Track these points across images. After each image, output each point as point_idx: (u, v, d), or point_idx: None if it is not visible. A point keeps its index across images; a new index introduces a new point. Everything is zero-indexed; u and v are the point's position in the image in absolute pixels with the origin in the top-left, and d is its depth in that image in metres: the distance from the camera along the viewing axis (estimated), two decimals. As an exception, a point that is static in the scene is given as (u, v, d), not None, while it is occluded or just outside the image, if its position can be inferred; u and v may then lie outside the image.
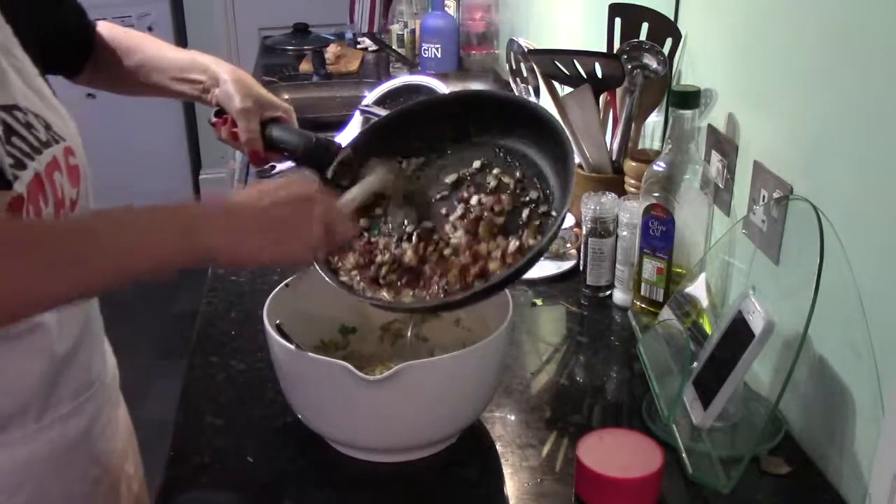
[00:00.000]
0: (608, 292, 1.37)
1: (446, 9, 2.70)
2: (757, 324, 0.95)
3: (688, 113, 1.17)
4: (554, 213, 0.99)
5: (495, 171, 1.04)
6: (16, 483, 0.95)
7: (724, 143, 1.21)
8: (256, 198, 0.88)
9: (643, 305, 1.26)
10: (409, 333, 1.09)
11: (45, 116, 0.94)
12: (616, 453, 0.93)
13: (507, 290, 1.02)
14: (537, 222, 0.99)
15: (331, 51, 2.83)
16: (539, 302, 1.37)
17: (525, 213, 1.00)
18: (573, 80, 1.46)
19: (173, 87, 1.22)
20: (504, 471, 1.00)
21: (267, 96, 1.20)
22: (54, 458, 0.99)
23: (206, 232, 0.84)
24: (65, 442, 1.00)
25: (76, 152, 0.97)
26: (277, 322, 0.99)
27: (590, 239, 1.34)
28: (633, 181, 1.35)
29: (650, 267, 1.24)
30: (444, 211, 1.04)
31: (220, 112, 1.21)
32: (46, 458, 0.97)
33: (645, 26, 1.43)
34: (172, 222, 0.83)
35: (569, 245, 1.47)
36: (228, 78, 1.17)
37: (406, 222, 1.04)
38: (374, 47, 3.03)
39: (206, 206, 0.89)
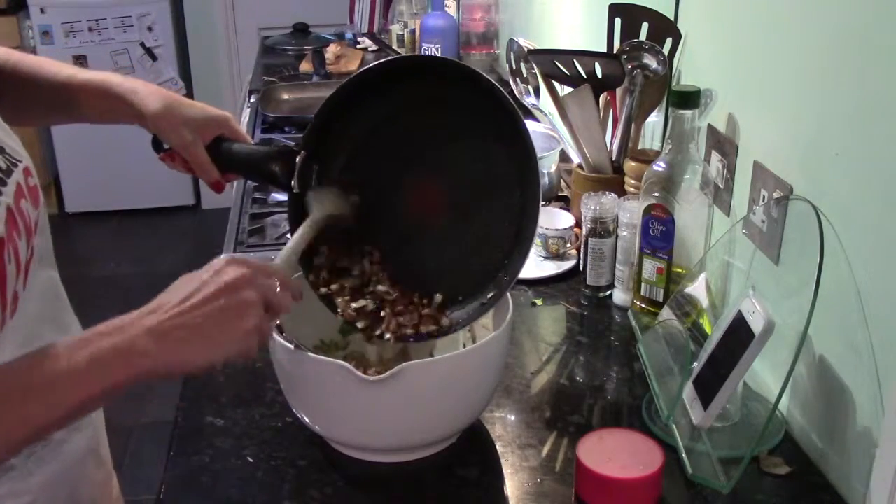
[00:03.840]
0: (608, 292, 1.37)
1: (446, 9, 2.71)
2: (757, 324, 0.95)
3: (688, 113, 1.17)
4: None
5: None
6: None
7: (724, 143, 1.21)
8: (180, 300, 0.79)
9: (643, 305, 1.26)
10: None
11: None
12: (616, 453, 0.93)
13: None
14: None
15: (331, 51, 2.83)
16: (539, 302, 1.37)
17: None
18: (573, 80, 1.46)
19: (97, 118, 1.10)
20: (504, 471, 1.00)
21: (200, 114, 1.06)
22: (69, 471, 0.96)
23: (136, 360, 0.75)
24: (77, 453, 0.98)
25: (32, 171, 0.90)
26: (277, 322, 0.98)
27: (590, 239, 1.34)
28: (633, 181, 1.35)
29: (650, 267, 1.24)
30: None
31: (160, 141, 1.09)
32: (60, 474, 0.95)
33: (645, 26, 1.43)
34: (97, 360, 0.74)
35: (569, 245, 1.47)
36: (153, 110, 1.03)
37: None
38: (374, 47, 3.03)
39: (126, 331, 0.76)
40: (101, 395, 0.75)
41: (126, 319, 0.77)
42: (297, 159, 1.02)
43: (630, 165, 1.37)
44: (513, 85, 1.66)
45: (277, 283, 0.85)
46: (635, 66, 1.42)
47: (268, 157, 1.05)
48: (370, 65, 1.02)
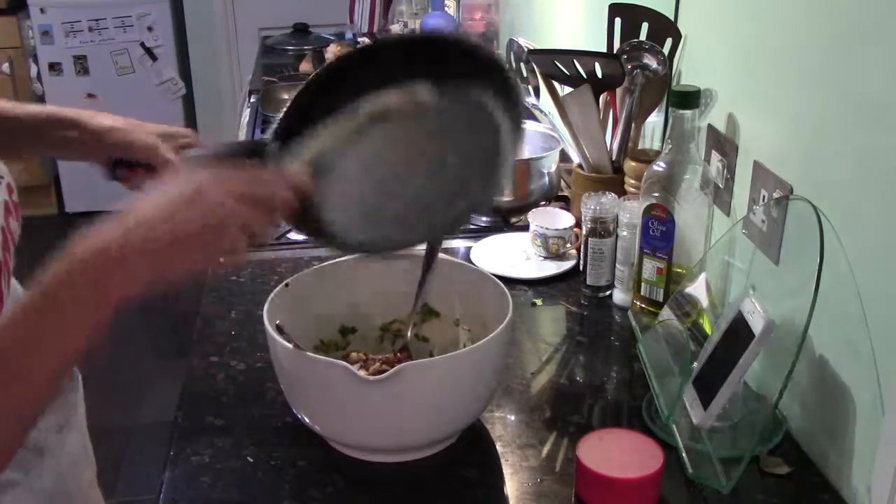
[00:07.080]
0: (608, 292, 1.37)
1: (446, 9, 2.71)
2: (757, 324, 0.95)
3: (688, 113, 1.17)
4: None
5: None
6: None
7: (724, 143, 1.21)
8: (166, 208, 0.77)
9: (643, 305, 1.26)
10: (408, 333, 1.09)
11: None
12: (616, 453, 0.93)
13: (506, 291, 1.02)
14: None
15: (331, 51, 2.83)
16: (539, 302, 1.37)
17: None
18: (573, 80, 1.46)
19: (43, 149, 1.10)
20: (504, 471, 1.00)
21: (162, 127, 1.08)
22: (67, 470, 0.96)
23: (121, 277, 0.75)
24: (73, 454, 0.97)
25: (13, 186, 0.89)
26: (277, 322, 0.99)
27: (590, 239, 1.34)
28: (633, 181, 1.35)
29: (650, 267, 1.24)
30: None
31: (121, 163, 1.07)
32: (53, 486, 0.95)
33: (645, 26, 1.43)
34: (81, 286, 0.75)
35: (569, 245, 1.47)
36: (122, 125, 1.05)
37: None
38: (374, 47, 3.02)
39: (106, 252, 0.76)
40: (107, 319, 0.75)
41: (112, 240, 0.75)
42: (269, 152, 0.99)
43: (630, 165, 1.37)
44: (513, 85, 1.66)
45: (276, 184, 0.83)
46: (635, 66, 1.42)
47: (243, 151, 1.02)
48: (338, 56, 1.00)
